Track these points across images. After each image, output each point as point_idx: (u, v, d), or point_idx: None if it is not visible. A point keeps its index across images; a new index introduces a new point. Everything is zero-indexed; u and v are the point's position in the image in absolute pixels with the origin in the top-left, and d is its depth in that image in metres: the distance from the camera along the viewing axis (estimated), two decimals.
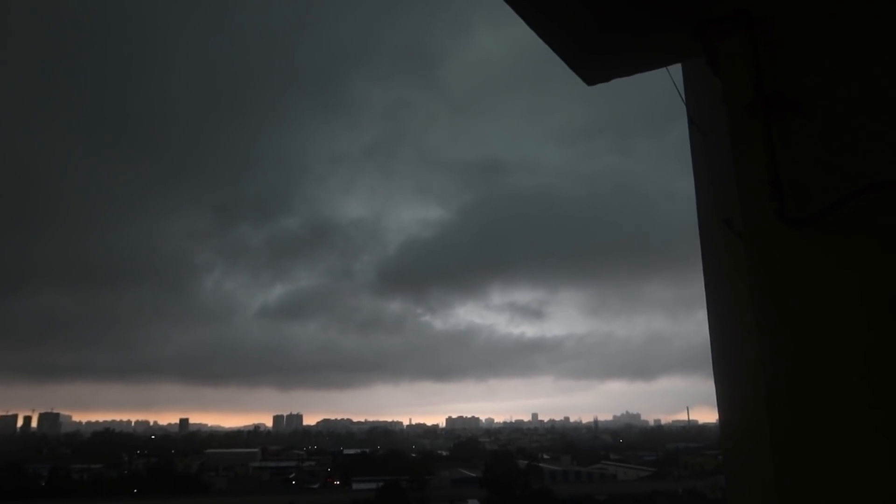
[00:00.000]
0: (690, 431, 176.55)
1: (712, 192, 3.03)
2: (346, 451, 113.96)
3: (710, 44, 2.15)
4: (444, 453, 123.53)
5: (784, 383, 1.82)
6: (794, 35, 2.00)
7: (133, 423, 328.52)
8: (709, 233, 3.08)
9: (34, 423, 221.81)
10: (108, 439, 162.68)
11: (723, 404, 2.91)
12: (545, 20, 2.32)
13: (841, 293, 1.78)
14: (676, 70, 3.05)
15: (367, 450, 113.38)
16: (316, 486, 78.07)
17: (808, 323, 1.81)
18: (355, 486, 68.25)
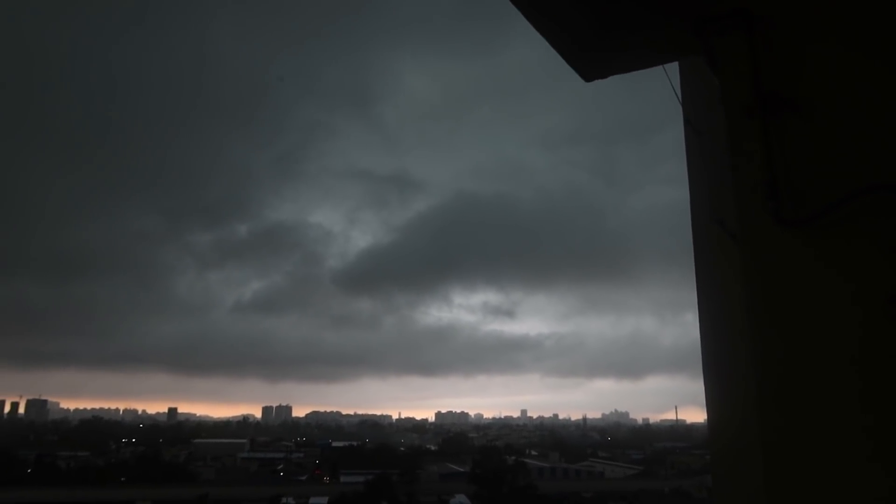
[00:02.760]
0: (678, 431, 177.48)
1: (706, 192, 3.02)
2: (335, 444, 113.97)
3: (709, 42, 2.14)
4: (433, 448, 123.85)
5: (775, 384, 1.82)
6: (794, 35, 1.99)
7: (121, 412, 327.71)
8: (702, 233, 3.06)
9: (21, 410, 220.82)
10: (96, 427, 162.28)
11: (712, 405, 2.91)
12: (545, 17, 2.30)
13: (834, 295, 1.77)
14: (670, 70, 3.04)
15: (356, 443, 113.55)
16: (304, 478, 78.12)
17: (801, 324, 1.81)
18: (343, 478, 68.32)
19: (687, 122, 3.16)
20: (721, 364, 2.84)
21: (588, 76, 2.67)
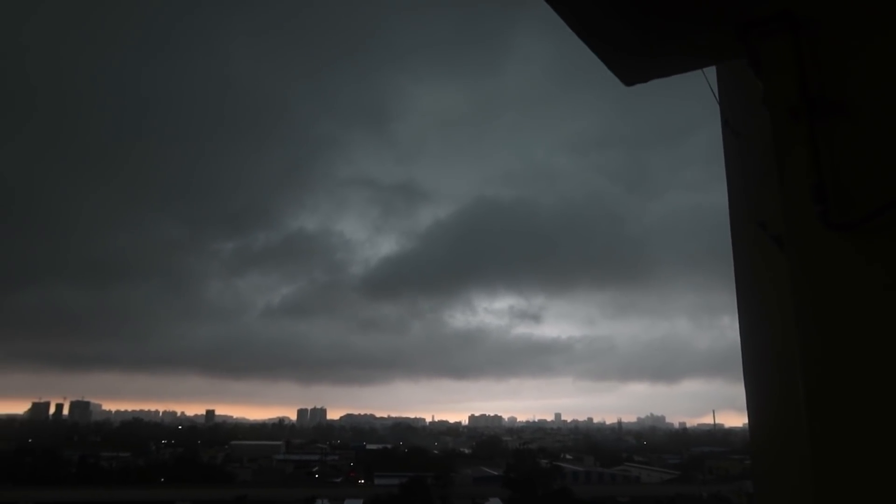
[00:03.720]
0: (716, 435, 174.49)
1: (746, 194, 3.00)
2: (369, 447, 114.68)
3: (752, 46, 2.13)
4: (467, 451, 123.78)
5: (824, 388, 1.80)
6: (840, 37, 1.97)
7: (161, 413, 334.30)
8: (741, 235, 3.04)
9: (66, 411, 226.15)
10: (137, 429, 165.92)
11: (753, 408, 2.88)
12: (588, 25, 2.31)
13: (884, 298, 1.75)
14: (705, 74, 3.03)
15: (390, 445, 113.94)
16: (339, 480, 78.75)
17: (850, 328, 1.79)
18: (378, 481, 68.62)
19: (725, 124, 3.14)
20: (763, 367, 2.81)
21: (629, 81, 2.68)
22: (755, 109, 2.36)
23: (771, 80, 2.05)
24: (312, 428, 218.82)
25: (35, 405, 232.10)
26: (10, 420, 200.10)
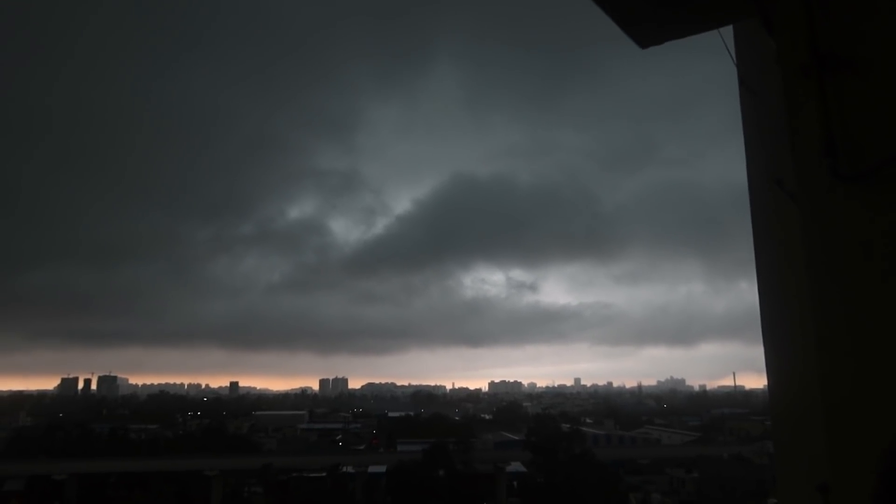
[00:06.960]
0: (736, 397, 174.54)
1: (763, 153, 3.05)
2: (391, 414, 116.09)
3: (764, 5, 2.18)
4: (488, 417, 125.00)
5: (836, 342, 1.83)
6: None
7: (186, 386, 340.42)
8: (758, 193, 3.10)
9: (94, 386, 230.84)
10: (163, 401, 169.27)
11: (772, 369, 2.93)
12: None
13: (893, 246, 1.80)
14: (721, 34, 3.06)
15: (412, 413, 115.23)
16: (362, 447, 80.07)
17: (862, 278, 1.83)
18: (400, 447, 69.62)
19: (742, 83, 3.18)
20: (781, 326, 2.86)
21: (644, 43, 2.72)
22: (770, 68, 2.41)
23: (783, 39, 2.10)
24: (335, 397, 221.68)
25: (64, 381, 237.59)
26: (41, 396, 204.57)
